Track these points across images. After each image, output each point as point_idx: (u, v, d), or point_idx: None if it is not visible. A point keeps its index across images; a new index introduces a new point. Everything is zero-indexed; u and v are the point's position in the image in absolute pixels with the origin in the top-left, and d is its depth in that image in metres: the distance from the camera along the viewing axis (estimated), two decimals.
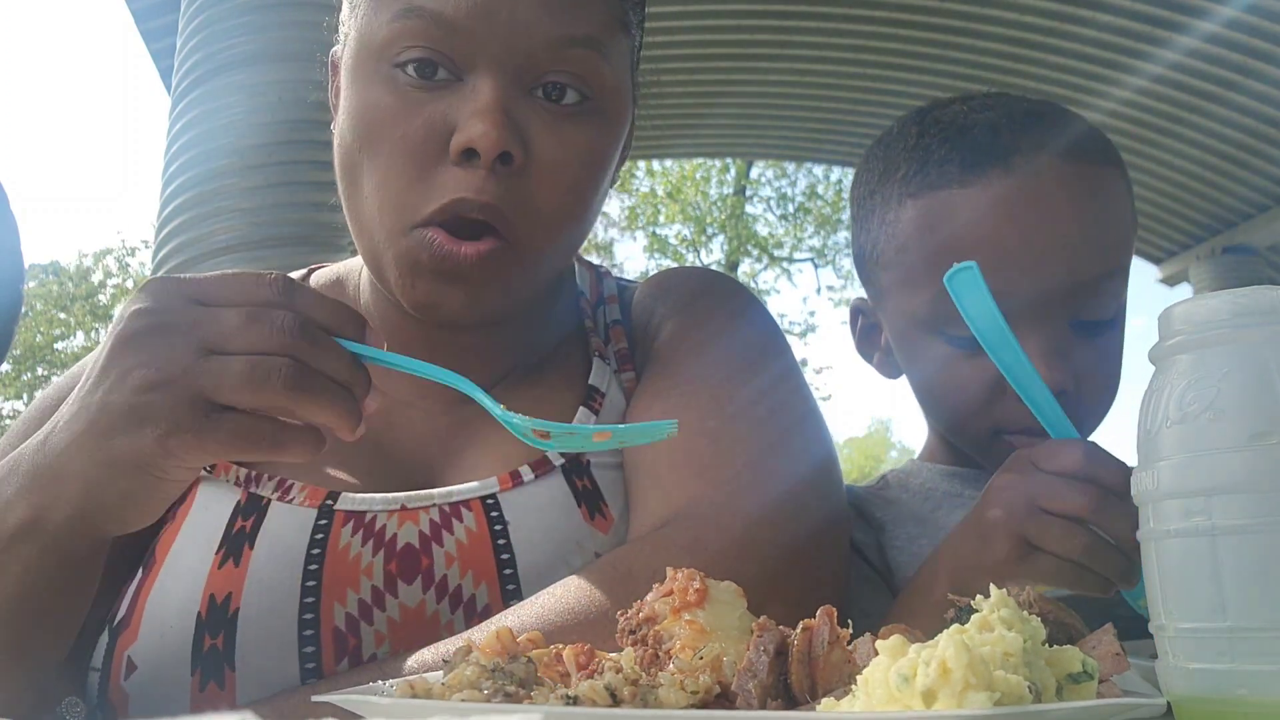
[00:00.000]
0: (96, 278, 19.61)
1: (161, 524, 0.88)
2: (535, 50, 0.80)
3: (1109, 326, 1.01)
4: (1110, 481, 0.73)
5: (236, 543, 0.83)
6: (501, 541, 0.85)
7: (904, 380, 1.18)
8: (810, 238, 18.48)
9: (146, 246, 17.43)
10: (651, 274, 1.12)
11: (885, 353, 1.16)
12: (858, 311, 1.19)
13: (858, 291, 1.18)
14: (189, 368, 0.64)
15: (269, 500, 0.86)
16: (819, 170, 17.34)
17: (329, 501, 0.86)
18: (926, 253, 1.02)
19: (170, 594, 0.81)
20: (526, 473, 0.89)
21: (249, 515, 0.85)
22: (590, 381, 0.96)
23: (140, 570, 0.85)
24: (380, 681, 0.58)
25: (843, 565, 0.90)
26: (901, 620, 0.74)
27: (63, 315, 18.96)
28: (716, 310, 1.00)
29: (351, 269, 1.04)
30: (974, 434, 1.04)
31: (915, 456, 1.24)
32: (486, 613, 0.83)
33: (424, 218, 0.80)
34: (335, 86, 0.94)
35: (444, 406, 0.96)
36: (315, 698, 0.53)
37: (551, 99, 0.83)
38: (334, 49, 0.95)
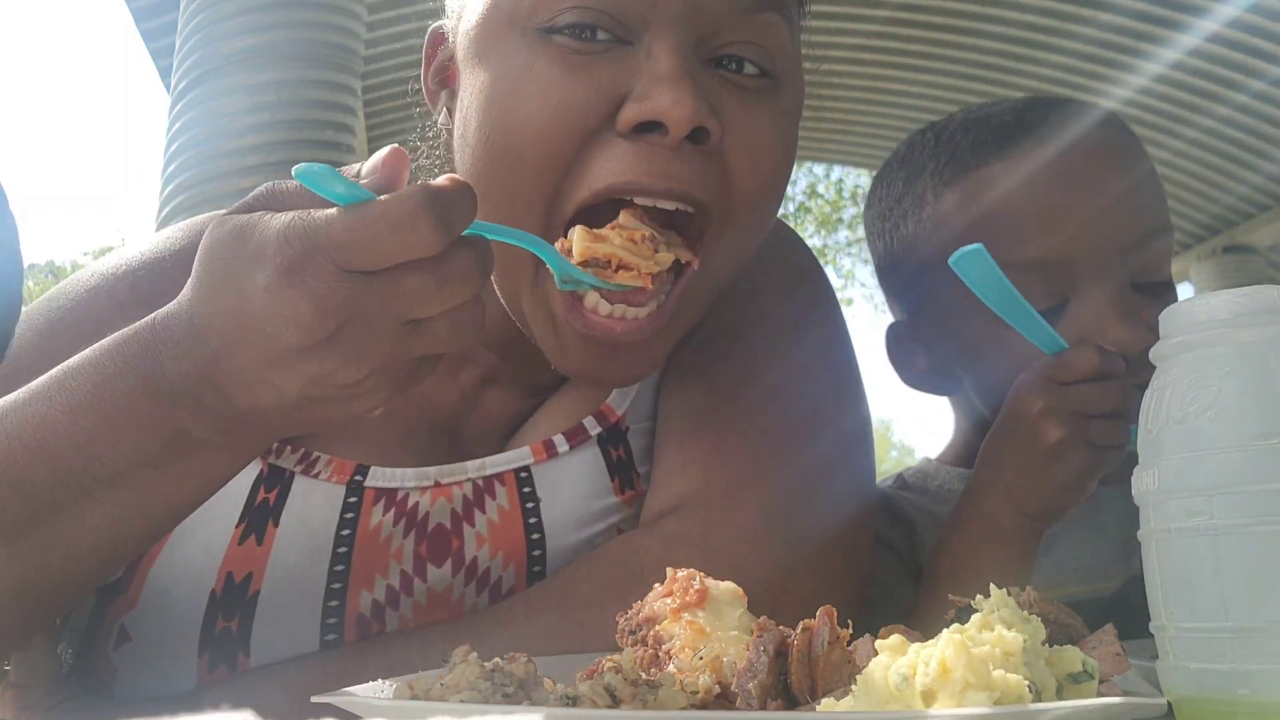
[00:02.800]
0: None
1: None
2: (720, 10, 0.70)
3: (1166, 289, 1.02)
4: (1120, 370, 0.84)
5: (259, 517, 0.78)
6: (533, 520, 0.82)
7: (904, 382, 1.17)
8: (810, 238, 18.47)
9: None
10: None
11: (931, 369, 1.13)
12: (894, 335, 1.16)
13: (858, 291, 1.18)
14: (396, 351, 0.60)
15: (292, 473, 0.81)
16: (819, 170, 17.32)
17: (358, 477, 0.81)
18: (977, 230, 1.01)
19: (180, 566, 0.77)
20: (561, 443, 0.85)
21: (271, 487, 0.80)
22: None
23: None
24: (380, 681, 0.58)
25: (864, 564, 0.87)
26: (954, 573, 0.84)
27: None
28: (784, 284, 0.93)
29: None
30: None
31: (928, 458, 1.22)
32: (510, 595, 0.80)
33: (574, 208, 0.71)
34: (442, 65, 0.84)
35: (477, 376, 0.90)
36: (315, 698, 0.53)
37: (731, 70, 0.72)
38: (440, 24, 0.86)
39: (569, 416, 0.88)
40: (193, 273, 0.62)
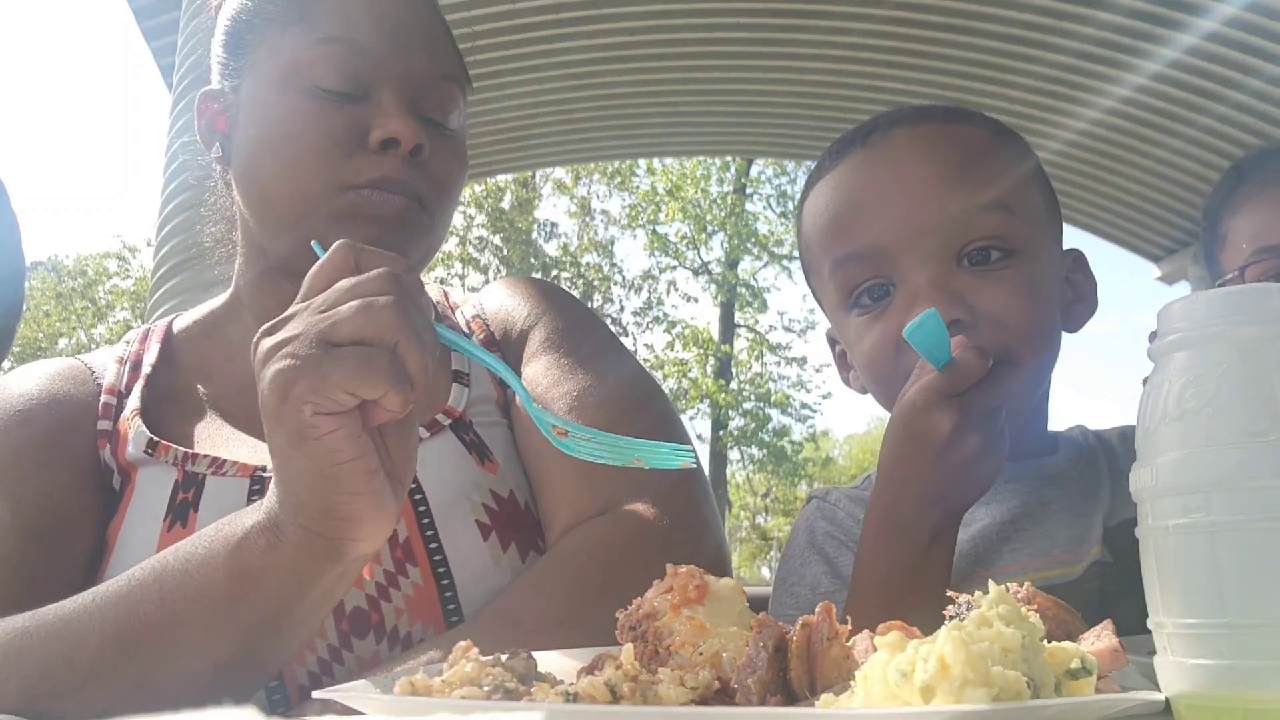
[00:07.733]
0: (94, 275, 19.64)
1: (110, 518, 0.98)
2: (426, 76, 1.03)
3: (1007, 260, 1.03)
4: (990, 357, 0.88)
5: (181, 510, 0.95)
6: (418, 497, 0.96)
7: (846, 384, 1.21)
8: None
9: (149, 245, 17.45)
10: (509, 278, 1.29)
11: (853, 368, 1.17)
12: (832, 340, 1.22)
13: None
14: (315, 346, 0.67)
15: (204, 475, 0.97)
16: None
17: (260, 471, 0.97)
18: (818, 240, 1.12)
19: (125, 565, 0.84)
20: (422, 432, 1.00)
21: (189, 488, 0.96)
22: (454, 368, 1.07)
23: (100, 561, 0.96)
24: (383, 675, 0.58)
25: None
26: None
27: (63, 313, 18.98)
28: (575, 308, 1.18)
29: (217, 308, 1.14)
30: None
31: None
32: (408, 549, 0.93)
33: (358, 184, 0.97)
34: (213, 118, 1.08)
35: None
36: (316, 694, 0.53)
37: (435, 121, 1.04)
38: (209, 89, 1.09)
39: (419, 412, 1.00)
40: None
